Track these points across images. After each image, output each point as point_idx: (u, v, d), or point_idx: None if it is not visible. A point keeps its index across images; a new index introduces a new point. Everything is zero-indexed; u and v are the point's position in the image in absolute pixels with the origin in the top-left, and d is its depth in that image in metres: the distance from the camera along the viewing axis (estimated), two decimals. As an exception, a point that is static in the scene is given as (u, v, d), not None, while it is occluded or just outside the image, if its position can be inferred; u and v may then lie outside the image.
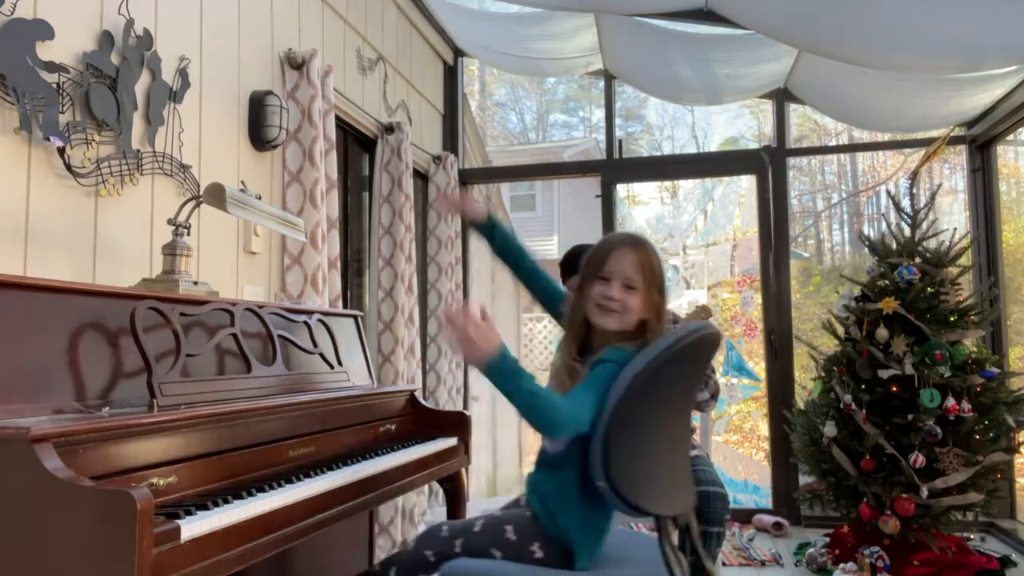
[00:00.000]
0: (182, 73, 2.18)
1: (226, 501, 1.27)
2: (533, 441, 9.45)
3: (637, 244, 1.55)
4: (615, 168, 4.53)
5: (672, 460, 1.54)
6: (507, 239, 1.79)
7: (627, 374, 1.41)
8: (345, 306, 3.24)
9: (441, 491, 2.86)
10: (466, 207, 1.82)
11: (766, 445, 4.56)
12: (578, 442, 1.46)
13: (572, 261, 2.55)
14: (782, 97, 4.35)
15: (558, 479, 1.54)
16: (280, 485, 1.43)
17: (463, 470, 2.33)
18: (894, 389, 3.02)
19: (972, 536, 3.42)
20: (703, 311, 2.64)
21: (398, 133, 3.54)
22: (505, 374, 1.33)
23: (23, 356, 1.23)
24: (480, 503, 4.46)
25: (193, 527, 1.13)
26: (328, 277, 2.79)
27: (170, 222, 1.84)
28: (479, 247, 5.72)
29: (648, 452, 1.46)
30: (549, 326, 9.59)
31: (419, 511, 3.60)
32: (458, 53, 4.69)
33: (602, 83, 4.69)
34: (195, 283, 1.80)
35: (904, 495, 2.89)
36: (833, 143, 9.87)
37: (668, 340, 1.44)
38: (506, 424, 6.85)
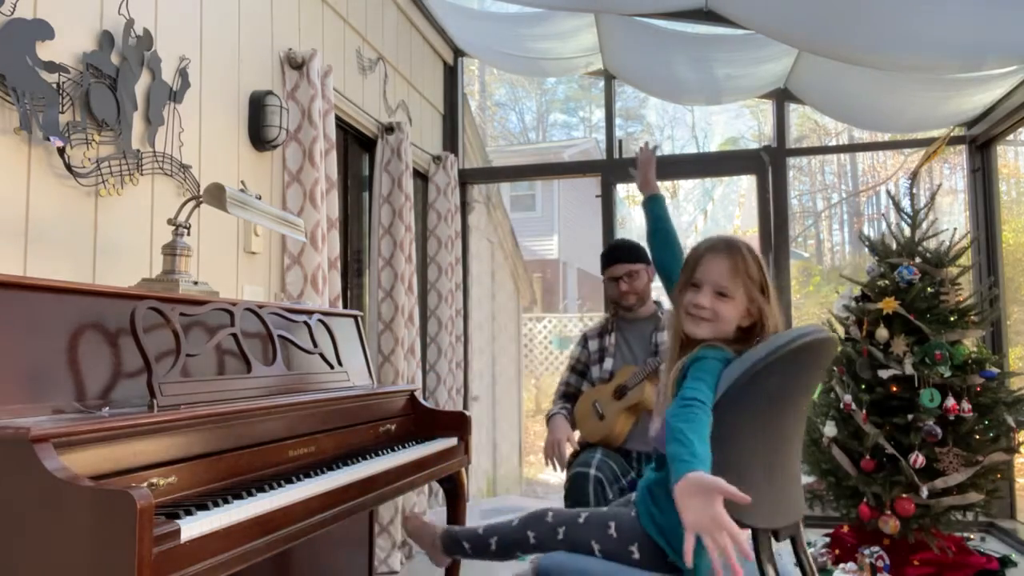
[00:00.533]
0: (182, 73, 2.18)
1: (226, 501, 1.27)
2: (533, 441, 9.45)
3: (730, 248, 1.49)
4: (615, 168, 4.53)
5: (773, 471, 1.46)
6: (665, 218, 1.91)
7: (722, 383, 1.37)
8: (345, 306, 3.24)
9: (441, 491, 2.86)
10: (650, 178, 1.99)
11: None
12: None
13: (606, 255, 2.75)
14: (782, 97, 4.35)
15: (665, 480, 1.49)
16: (280, 485, 1.43)
17: (463, 470, 2.33)
18: (894, 389, 3.02)
19: (972, 536, 3.42)
20: None
21: (398, 133, 3.54)
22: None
23: (23, 356, 1.23)
24: (480, 503, 4.46)
25: (193, 527, 1.13)
26: (328, 277, 2.79)
27: (170, 222, 1.84)
28: (479, 247, 5.72)
29: (740, 464, 1.38)
30: (549, 326, 9.59)
31: (419, 511, 3.60)
32: (458, 53, 4.69)
33: (602, 83, 4.69)
34: (195, 283, 1.80)
35: (904, 495, 2.89)
36: (833, 143, 9.87)
37: (767, 347, 1.37)
38: (506, 424, 6.85)
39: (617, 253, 2.72)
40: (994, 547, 3.39)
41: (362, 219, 3.67)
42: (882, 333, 3.07)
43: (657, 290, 2.60)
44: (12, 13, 1.63)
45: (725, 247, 1.49)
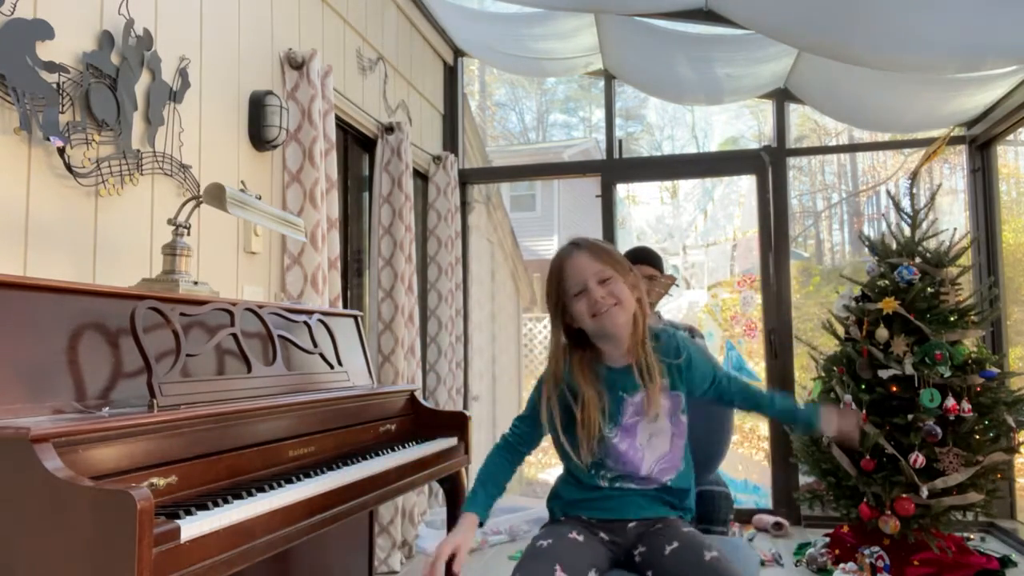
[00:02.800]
0: (182, 73, 2.18)
1: (226, 501, 1.27)
2: (533, 441, 9.41)
3: (578, 244, 1.55)
4: (615, 168, 4.53)
5: None
6: (495, 498, 1.63)
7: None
8: (345, 306, 3.24)
9: (441, 491, 2.85)
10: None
11: (766, 445, 4.56)
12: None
13: (636, 254, 2.79)
14: (782, 97, 4.35)
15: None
16: (280, 485, 1.43)
17: (463, 470, 2.33)
18: (894, 389, 3.02)
19: (972, 536, 3.42)
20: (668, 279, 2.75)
21: (398, 133, 3.54)
22: None
23: (23, 356, 1.23)
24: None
25: (193, 527, 1.13)
26: (328, 277, 2.79)
27: (170, 222, 1.84)
28: (479, 247, 5.72)
29: None
30: (549, 326, 9.58)
31: (419, 511, 3.60)
32: (458, 53, 4.69)
33: (602, 83, 4.69)
34: (195, 283, 1.80)
35: (904, 495, 2.89)
36: (833, 143, 9.85)
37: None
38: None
39: (648, 257, 2.83)
40: (994, 547, 3.39)
41: (362, 219, 3.67)
42: (882, 333, 3.07)
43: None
44: (12, 13, 1.63)
45: (573, 246, 1.55)
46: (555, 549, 1.44)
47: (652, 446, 1.53)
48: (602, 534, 1.52)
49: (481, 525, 1.55)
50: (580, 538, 1.48)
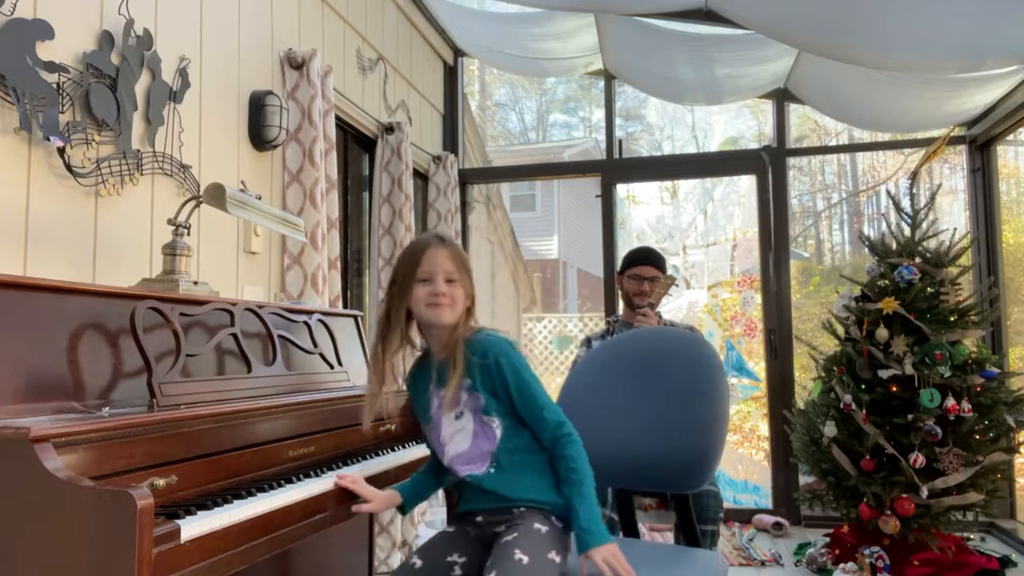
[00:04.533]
0: (182, 73, 2.18)
1: (226, 501, 1.27)
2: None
3: (444, 240, 1.60)
4: (615, 168, 4.53)
5: None
6: (422, 489, 1.73)
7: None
8: (345, 306, 3.24)
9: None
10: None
11: (766, 445, 4.56)
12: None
13: (638, 254, 2.92)
14: (782, 97, 4.35)
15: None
16: (280, 485, 1.43)
17: (463, 470, 2.33)
18: (894, 389, 3.02)
19: (972, 536, 3.42)
20: (668, 279, 2.82)
21: (398, 133, 3.54)
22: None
23: (23, 356, 1.23)
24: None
25: (193, 527, 1.13)
26: (328, 277, 2.79)
27: (170, 222, 1.84)
28: (479, 247, 5.72)
29: None
30: (549, 326, 9.59)
31: (419, 511, 3.60)
32: (458, 53, 4.69)
33: (602, 83, 4.69)
34: (195, 283, 1.80)
35: (904, 495, 2.89)
36: (833, 143, 9.85)
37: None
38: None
39: (651, 257, 2.90)
40: (994, 547, 3.39)
41: (362, 219, 3.67)
42: (882, 333, 3.07)
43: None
44: (12, 13, 1.63)
45: (440, 240, 1.59)
46: (426, 544, 1.58)
47: (454, 441, 1.57)
48: (468, 528, 1.57)
49: (402, 511, 1.69)
50: (451, 529, 1.60)
